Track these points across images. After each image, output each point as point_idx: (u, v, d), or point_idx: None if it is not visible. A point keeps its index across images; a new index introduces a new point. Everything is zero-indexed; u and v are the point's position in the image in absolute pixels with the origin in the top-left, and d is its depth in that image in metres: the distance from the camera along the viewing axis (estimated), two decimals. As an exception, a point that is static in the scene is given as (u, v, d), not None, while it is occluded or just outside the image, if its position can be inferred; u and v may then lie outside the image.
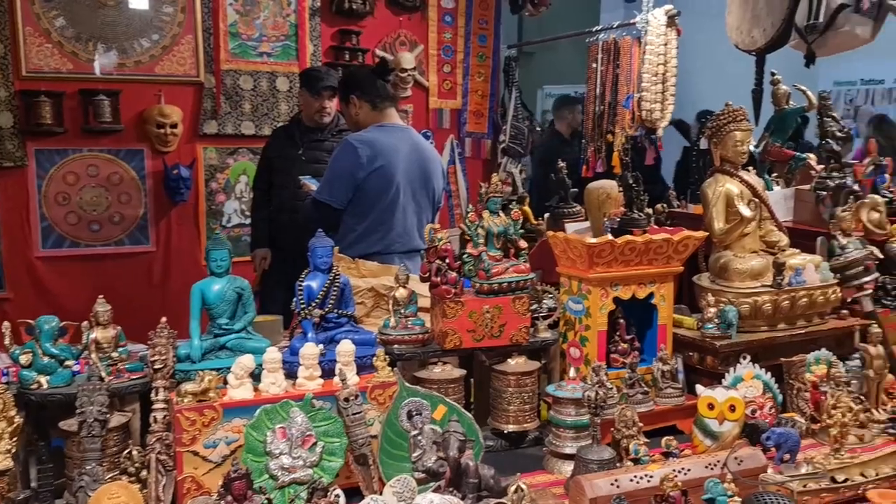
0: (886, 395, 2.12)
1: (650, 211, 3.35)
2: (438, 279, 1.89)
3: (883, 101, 8.04)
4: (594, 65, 4.34)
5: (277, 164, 3.86)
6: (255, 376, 1.66)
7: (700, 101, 6.24)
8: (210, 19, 4.31)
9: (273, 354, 1.65)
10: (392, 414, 1.66)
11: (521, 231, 2.04)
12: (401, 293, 1.93)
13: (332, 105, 3.69)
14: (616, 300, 2.03)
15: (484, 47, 5.13)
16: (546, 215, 4.01)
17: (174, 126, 4.21)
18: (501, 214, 1.97)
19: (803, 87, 2.73)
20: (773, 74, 2.81)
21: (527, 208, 4.22)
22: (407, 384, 1.69)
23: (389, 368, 1.73)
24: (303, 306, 1.79)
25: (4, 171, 3.91)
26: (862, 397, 2.05)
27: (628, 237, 1.99)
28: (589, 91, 4.41)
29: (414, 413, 1.67)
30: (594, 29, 4.32)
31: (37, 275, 4.06)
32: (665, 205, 3.16)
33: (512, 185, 4.39)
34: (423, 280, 1.91)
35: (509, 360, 1.94)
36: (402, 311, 1.92)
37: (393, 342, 1.89)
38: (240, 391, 1.61)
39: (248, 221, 4.47)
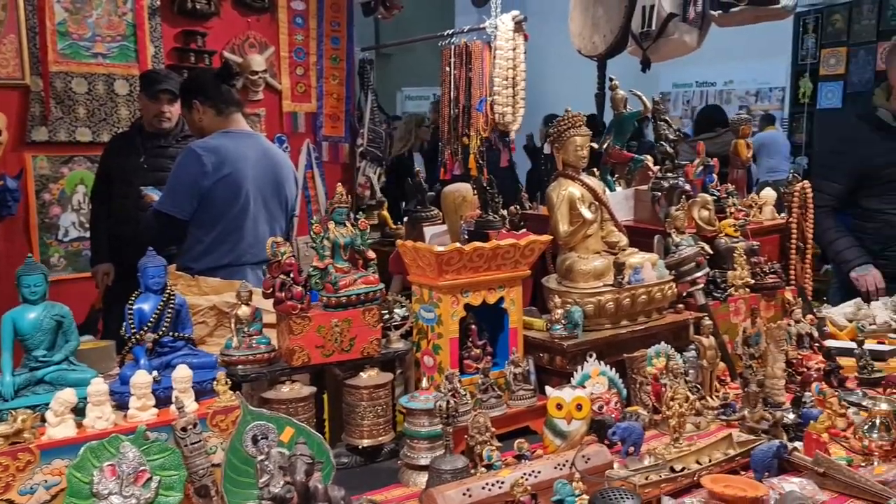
0: (719, 383, 2.26)
1: (505, 213, 3.43)
2: (283, 294, 1.82)
3: (715, 100, 8.70)
4: (448, 68, 4.38)
5: (117, 173, 3.62)
6: (80, 411, 1.52)
7: (553, 102, 6.49)
8: (35, 17, 3.96)
9: (98, 386, 1.51)
10: (236, 440, 1.57)
11: (370, 240, 2.00)
12: (243, 311, 1.84)
13: (173, 109, 3.50)
14: (467, 306, 2.03)
15: (337, 49, 5.05)
16: (405, 219, 4.01)
17: (-4, 133, 3.84)
18: (348, 225, 1.92)
19: (639, 93, 2.87)
20: (611, 80, 2.94)
21: (385, 213, 4.21)
22: (251, 407, 1.61)
23: (231, 392, 1.64)
24: (133, 331, 1.66)
25: None
26: (698, 386, 2.18)
27: (476, 244, 2.00)
28: (444, 94, 4.44)
29: (259, 437, 1.59)
30: (446, 33, 4.36)
31: None
32: (518, 207, 3.23)
33: (370, 190, 4.35)
34: (266, 296, 1.83)
35: (361, 373, 1.90)
36: (246, 329, 1.83)
37: (236, 363, 1.79)
38: (60, 429, 1.47)
39: (87, 235, 4.16)
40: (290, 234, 3.51)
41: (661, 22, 3.29)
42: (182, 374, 1.59)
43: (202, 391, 1.66)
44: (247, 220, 2.98)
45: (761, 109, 8.28)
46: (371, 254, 1.95)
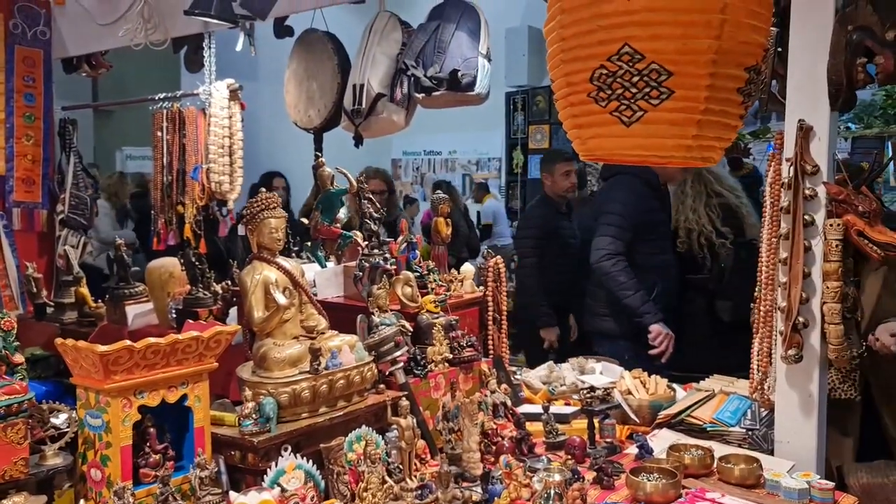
0: (419, 461, 2.28)
1: (218, 289, 3.25)
2: None
3: (441, 168, 9.28)
4: (160, 133, 4.14)
5: None
6: None
7: (281, 170, 6.43)
8: None
9: None
10: None
11: (16, 343, 1.73)
12: None
13: None
14: (143, 409, 1.84)
15: (32, 107, 4.52)
16: (106, 297, 3.64)
17: None
18: (-14, 327, 1.65)
19: (344, 171, 2.91)
20: (317, 156, 2.94)
21: (84, 290, 3.80)
22: None
23: None
24: None
25: None
26: (399, 467, 2.18)
27: (150, 340, 1.82)
28: (156, 160, 4.18)
29: None
30: (158, 96, 4.13)
31: None
32: (229, 283, 3.08)
33: (67, 264, 3.90)
34: None
35: (4, 501, 1.62)
36: None
37: None
38: None
39: None
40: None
41: (370, 101, 3.38)
42: None
43: None
44: None
45: (482, 177, 9.03)
46: (18, 358, 1.70)
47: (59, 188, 4.59)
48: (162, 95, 4.13)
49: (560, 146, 8.34)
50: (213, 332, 1.94)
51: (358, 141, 3.58)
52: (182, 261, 3.31)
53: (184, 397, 1.92)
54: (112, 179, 6.13)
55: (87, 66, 4.57)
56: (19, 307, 4.48)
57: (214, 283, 3.27)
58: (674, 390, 2.80)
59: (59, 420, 1.83)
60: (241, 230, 2.79)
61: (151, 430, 1.89)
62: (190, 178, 4.04)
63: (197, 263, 3.30)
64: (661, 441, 2.44)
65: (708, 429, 2.49)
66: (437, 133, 8.41)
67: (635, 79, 1.43)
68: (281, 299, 2.16)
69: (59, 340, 1.82)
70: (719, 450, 2.30)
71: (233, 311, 3.03)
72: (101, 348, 1.74)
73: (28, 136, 4.52)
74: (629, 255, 3.88)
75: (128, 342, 1.78)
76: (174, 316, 3.24)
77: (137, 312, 3.37)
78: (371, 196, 2.83)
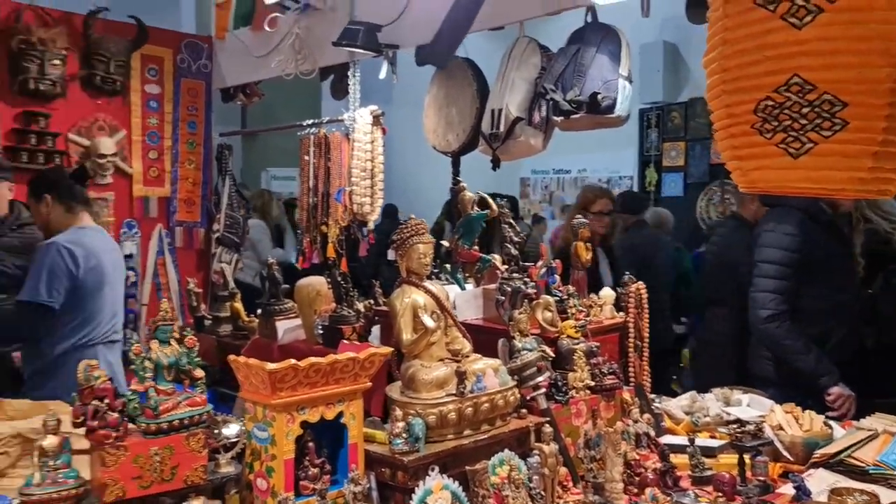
0: (562, 489, 2.28)
1: (361, 307, 3.39)
2: (96, 423, 1.67)
3: (571, 187, 9.21)
4: (306, 157, 4.38)
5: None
6: None
7: (415, 192, 6.63)
8: None
9: None
10: None
11: (198, 359, 1.89)
12: (49, 442, 1.67)
13: None
14: (304, 424, 1.95)
15: (194, 134, 4.93)
16: (258, 312, 3.88)
17: None
18: (173, 343, 1.82)
19: (485, 195, 2.96)
20: (457, 181, 3.02)
21: (238, 305, 4.06)
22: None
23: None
24: None
25: None
26: (542, 493, 2.19)
27: (312, 359, 1.93)
28: (303, 183, 4.43)
29: None
30: (305, 122, 4.38)
31: None
32: (371, 301, 3.20)
33: (223, 280, 4.20)
34: (76, 425, 1.68)
35: (185, 503, 1.77)
36: (52, 462, 1.67)
37: (38, 503, 1.62)
38: None
39: None
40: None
41: (508, 125, 3.44)
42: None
43: (-11, 542, 1.47)
44: (105, 304, 3.35)
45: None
46: (199, 373, 1.85)
47: (216, 208, 4.97)
48: (309, 122, 4.37)
49: (696, 164, 8.09)
50: (368, 353, 2.03)
51: (495, 164, 3.64)
52: (329, 279, 3.49)
53: (340, 414, 2.02)
54: (262, 198, 6.53)
55: (242, 95, 4.93)
56: (179, 318, 4.88)
57: (357, 302, 3.42)
58: (831, 427, 2.64)
59: (230, 431, 1.97)
60: (390, 254, 2.90)
61: (311, 444, 2.00)
62: (334, 200, 4.25)
63: (342, 282, 3.46)
64: (817, 482, 2.30)
65: (871, 472, 2.33)
66: (568, 152, 8.38)
67: (805, 110, 1.39)
68: (429, 323, 2.23)
69: (232, 357, 1.97)
70: (885, 495, 2.14)
71: (375, 330, 3.15)
72: (270, 366, 1.86)
73: (190, 160, 4.93)
74: (797, 301, 3.39)
75: (293, 361, 1.90)
76: (321, 332, 3.42)
77: (287, 328, 3.57)
78: (512, 221, 2.86)
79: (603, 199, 4.53)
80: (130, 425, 1.75)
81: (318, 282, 3.53)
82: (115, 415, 1.70)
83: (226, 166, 4.96)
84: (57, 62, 4.26)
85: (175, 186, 4.85)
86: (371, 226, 4.18)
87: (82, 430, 1.69)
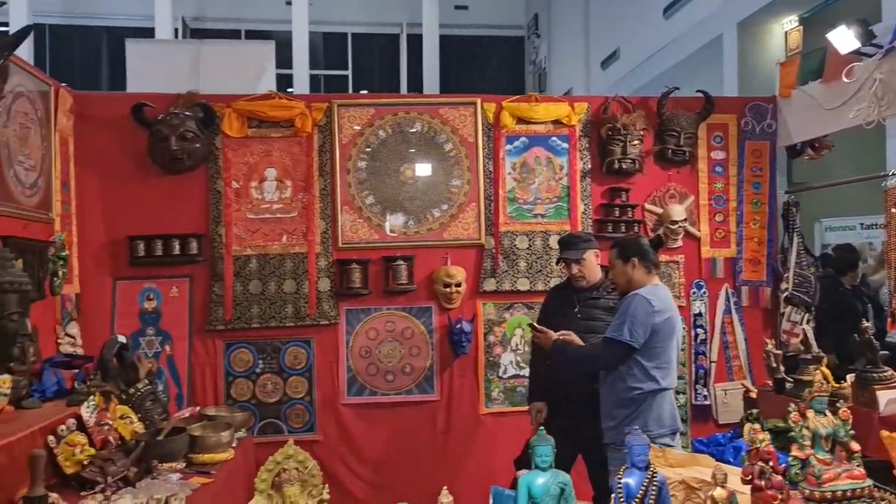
0: None
1: None
2: (762, 482, 1.81)
3: None
4: (894, 210, 4.03)
5: (554, 320, 4.03)
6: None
7: None
8: (491, 188, 4.73)
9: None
10: None
11: (851, 431, 1.89)
12: (719, 493, 1.87)
13: (579, 269, 3.91)
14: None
15: (759, 194, 4.99)
16: (850, 377, 3.66)
17: (458, 285, 4.59)
18: (828, 414, 1.86)
19: None
20: None
21: (825, 369, 3.90)
22: None
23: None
24: (622, 505, 1.81)
25: (321, 327, 4.53)
26: None
27: None
28: (890, 238, 4.08)
29: None
30: (891, 172, 4.05)
31: (342, 420, 4.56)
32: None
33: (805, 343, 4.08)
34: (744, 482, 1.84)
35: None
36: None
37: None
38: None
39: (522, 373, 4.65)
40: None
41: None
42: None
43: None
44: (675, 352, 3.64)
45: None
46: (855, 445, 1.85)
47: (783, 266, 4.89)
48: (893, 171, 4.02)
49: None
50: None
51: None
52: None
53: None
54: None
55: (810, 150, 4.80)
56: (747, 377, 4.92)
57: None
58: None
59: (887, 510, 1.91)
60: None
61: None
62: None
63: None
64: None
65: None
66: None
67: None
68: None
69: (884, 433, 1.92)
70: None
71: None
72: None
73: (755, 220, 4.99)
74: None
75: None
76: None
77: (891, 398, 3.29)
78: None
79: None
80: (791, 490, 1.84)
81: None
82: (779, 478, 1.81)
83: (793, 223, 4.87)
84: (636, 142, 4.82)
85: (740, 247, 4.96)
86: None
87: (747, 488, 1.85)
